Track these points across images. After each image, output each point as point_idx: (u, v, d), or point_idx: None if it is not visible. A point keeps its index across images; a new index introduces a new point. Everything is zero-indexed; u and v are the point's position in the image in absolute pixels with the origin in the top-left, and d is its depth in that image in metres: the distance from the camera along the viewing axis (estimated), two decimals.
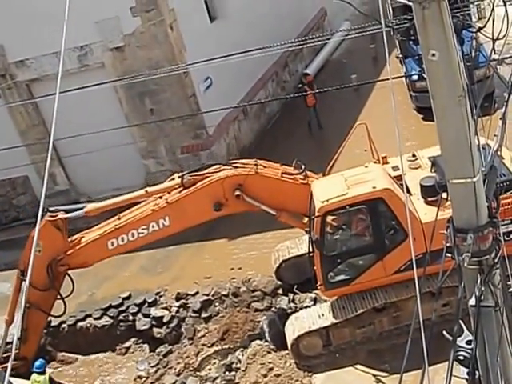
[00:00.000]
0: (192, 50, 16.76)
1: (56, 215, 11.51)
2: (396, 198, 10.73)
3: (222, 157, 17.31)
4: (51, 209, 11.66)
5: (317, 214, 10.86)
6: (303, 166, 12.09)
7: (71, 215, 11.69)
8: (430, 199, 10.98)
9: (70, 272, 12.06)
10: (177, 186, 11.66)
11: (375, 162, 12.40)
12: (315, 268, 11.38)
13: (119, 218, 11.70)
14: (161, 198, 11.72)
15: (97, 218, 12.10)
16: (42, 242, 11.35)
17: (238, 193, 11.48)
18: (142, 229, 11.56)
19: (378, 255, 11.23)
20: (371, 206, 10.93)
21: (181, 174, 11.79)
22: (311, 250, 11.34)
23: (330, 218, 11.23)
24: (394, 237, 11.12)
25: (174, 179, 11.78)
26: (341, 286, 11.53)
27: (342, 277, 11.51)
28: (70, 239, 11.83)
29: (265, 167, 11.98)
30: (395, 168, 12.05)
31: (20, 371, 11.95)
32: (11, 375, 10.94)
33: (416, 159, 12.14)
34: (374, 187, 10.85)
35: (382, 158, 12.51)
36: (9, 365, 4.48)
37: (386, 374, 10.94)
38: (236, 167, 11.83)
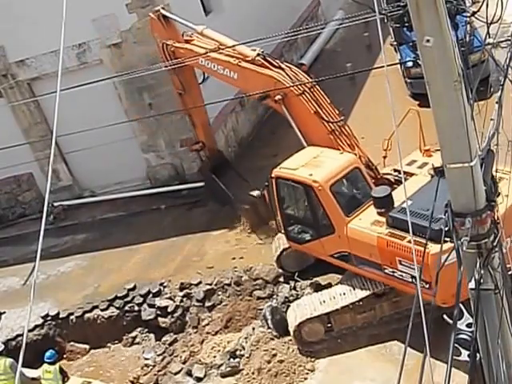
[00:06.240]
0: None
1: (158, 10, 14.23)
2: (324, 192, 11.18)
3: (221, 148, 17.36)
4: None
5: (271, 175, 11.99)
6: (342, 118, 12.60)
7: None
8: (378, 210, 11.08)
9: None
10: (248, 58, 13.02)
11: (421, 151, 12.35)
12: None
13: (219, 48, 13.42)
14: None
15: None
16: (156, 34, 14.51)
17: (278, 97, 12.59)
18: (222, 68, 13.46)
19: (316, 234, 11.96)
20: (306, 190, 11.55)
21: (260, 52, 13.06)
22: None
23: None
24: (325, 225, 11.61)
25: (254, 50, 13.00)
26: (297, 243, 12.46)
27: (297, 236, 12.45)
28: (186, 34, 14.38)
29: (314, 95, 12.56)
30: (412, 162, 12.02)
31: (198, 152, 15.77)
32: None
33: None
34: (310, 174, 11.40)
35: (425, 150, 12.28)
36: (20, 357, 4.50)
37: (387, 358, 11.04)
38: (297, 78, 12.72)
